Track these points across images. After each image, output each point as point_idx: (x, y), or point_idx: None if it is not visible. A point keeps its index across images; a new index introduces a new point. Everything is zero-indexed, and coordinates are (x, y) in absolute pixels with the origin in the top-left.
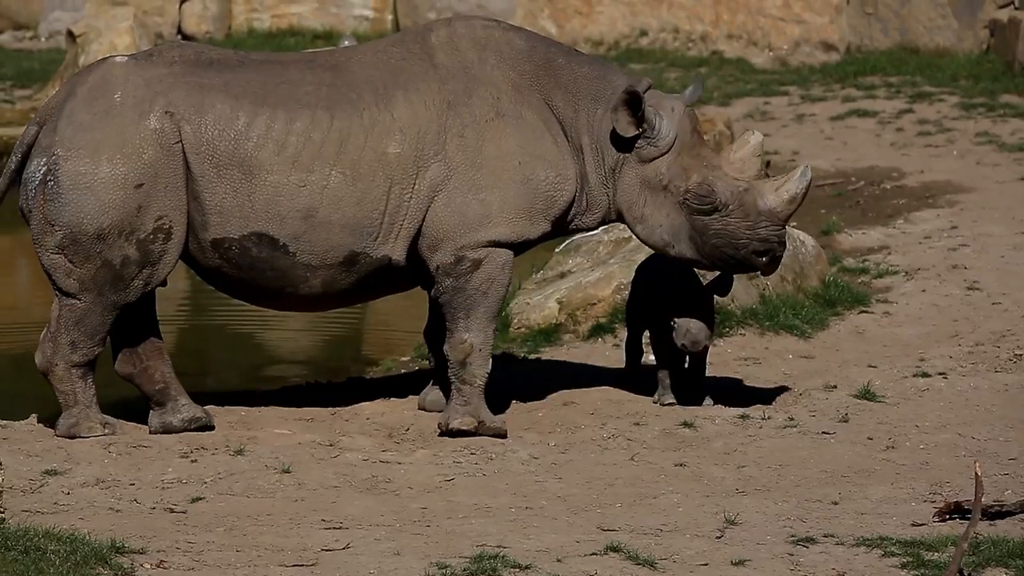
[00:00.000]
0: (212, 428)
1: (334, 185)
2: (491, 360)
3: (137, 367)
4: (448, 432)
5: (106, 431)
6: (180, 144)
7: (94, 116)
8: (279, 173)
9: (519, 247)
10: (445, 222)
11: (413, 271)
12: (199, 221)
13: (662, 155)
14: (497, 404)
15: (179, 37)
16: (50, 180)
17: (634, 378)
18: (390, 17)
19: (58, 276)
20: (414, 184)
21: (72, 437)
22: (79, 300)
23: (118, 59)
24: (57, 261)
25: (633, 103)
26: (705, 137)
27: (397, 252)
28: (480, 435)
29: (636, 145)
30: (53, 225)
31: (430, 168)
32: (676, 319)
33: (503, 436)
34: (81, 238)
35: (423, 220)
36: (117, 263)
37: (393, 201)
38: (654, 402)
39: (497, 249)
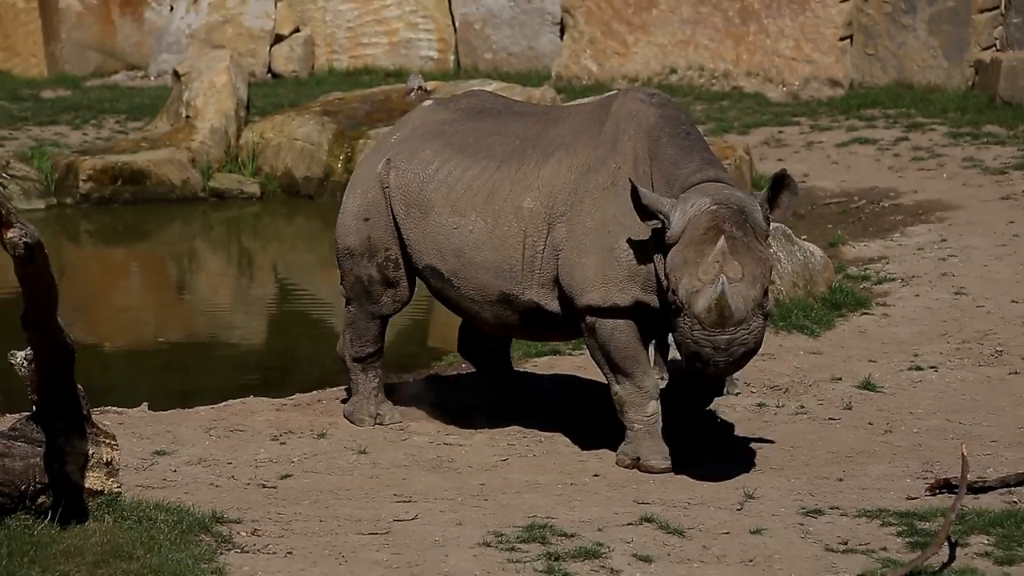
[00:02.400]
0: None
1: (477, 230)
2: (650, 403)
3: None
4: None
5: (375, 422)
6: (388, 188)
7: (369, 152)
8: (442, 215)
9: (622, 312)
10: (564, 280)
11: (569, 319)
12: (405, 253)
13: (671, 245)
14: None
15: (269, 76)
16: None
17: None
18: (452, 57)
19: (341, 284)
20: (545, 238)
21: (351, 421)
22: (350, 306)
23: (425, 103)
24: (340, 271)
25: (634, 197)
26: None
27: (544, 299)
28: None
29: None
30: (335, 240)
31: (556, 226)
32: None
33: (660, 472)
34: (341, 255)
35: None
36: (365, 280)
37: (528, 251)
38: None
39: (602, 317)
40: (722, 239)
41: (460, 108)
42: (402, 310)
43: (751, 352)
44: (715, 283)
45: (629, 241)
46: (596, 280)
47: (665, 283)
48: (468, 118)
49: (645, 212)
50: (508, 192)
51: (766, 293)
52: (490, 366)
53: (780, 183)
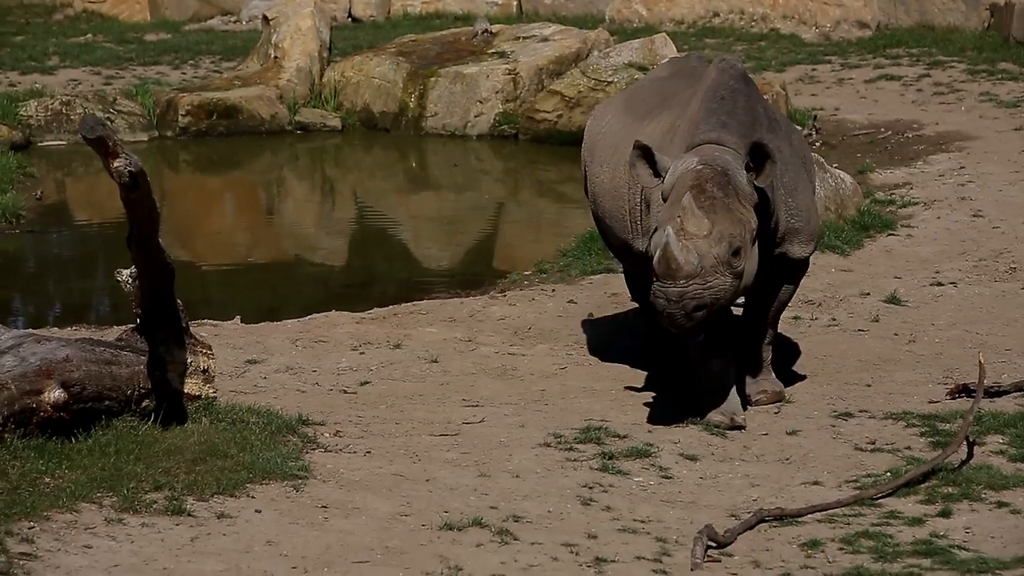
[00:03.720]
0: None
1: (604, 179)
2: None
3: None
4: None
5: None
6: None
7: None
8: (593, 163)
9: None
10: None
11: None
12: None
13: (662, 200)
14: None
15: (349, 21)
16: None
17: None
18: (515, 2)
19: None
20: (640, 192)
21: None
22: None
23: (665, 60)
24: None
25: (647, 156)
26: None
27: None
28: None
29: None
30: None
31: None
32: None
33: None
34: None
35: None
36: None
37: (630, 202)
38: None
39: None
40: (688, 195)
41: (671, 68)
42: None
43: (705, 306)
44: (661, 239)
45: None
46: None
47: None
48: (664, 79)
49: (656, 171)
50: (626, 147)
51: (737, 253)
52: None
53: (761, 153)
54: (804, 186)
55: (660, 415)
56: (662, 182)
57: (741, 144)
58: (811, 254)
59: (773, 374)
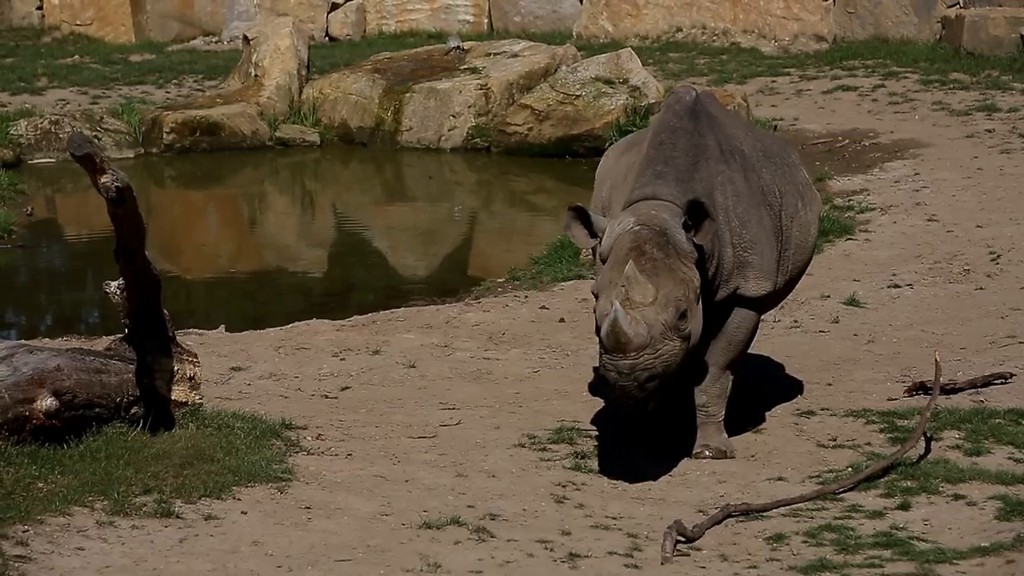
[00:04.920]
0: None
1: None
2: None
3: None
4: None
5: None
6: None
7: None
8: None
9: None
10: None
11: None
12: None
13: (601, 262)
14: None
15: (327, 40)
16: None
17: None
18: (486, 20)
19: None
20: None
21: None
22: None
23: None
24: None
25: (582, 218)
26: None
27: None
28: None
29: None
30: None
31: None
32: None
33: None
34: None
35: None
36: None
37: None
38: None
39: None
40: (630, 263)
41: (668, 102)
42: None
43: (658, 376)
44: (607, 316)
45: None
46: None
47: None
48: (657, 115)
49: (592, 232)
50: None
51: (684, 316)
52: None
53: (698, 211)
54: (759, 218)
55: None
56: (599, 243)
57: (679, 195)
58: (766, 293)
59: (724, 433)
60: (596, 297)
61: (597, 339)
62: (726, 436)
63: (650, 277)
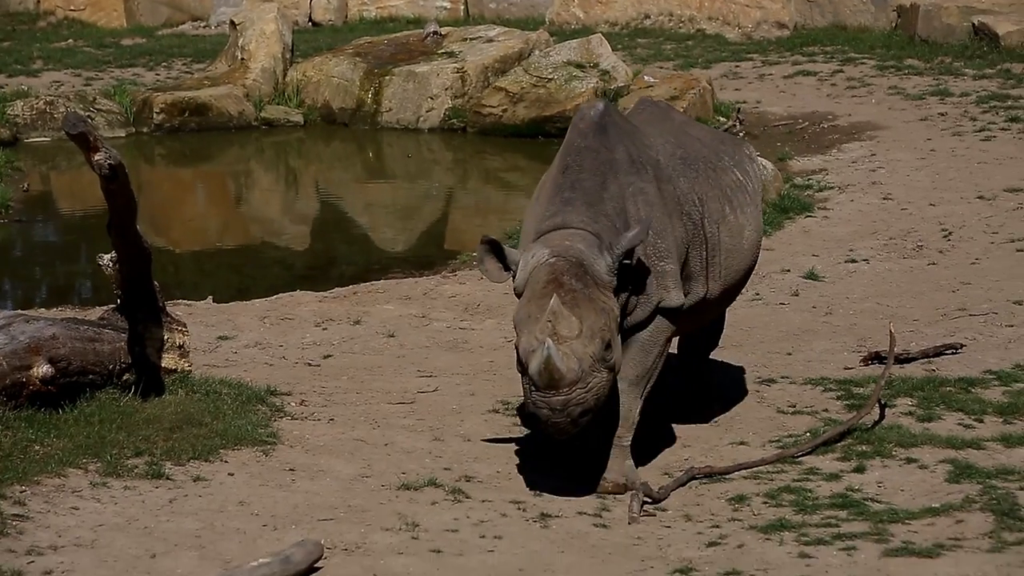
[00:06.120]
0: None
1: None
2: None
3: None
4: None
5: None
6: None
7: None
8: None
9: None
10: None
11: None
12: None
13: (516, 295)
14: None
15: (310, 25)
16: None
17: None
18: (462, 7)
19: None
20: None
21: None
22: None
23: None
24: None
25: (495, 251)
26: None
27: None
28: None
29: None
30: None
31: None
32: None
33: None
34: None
35: None
36: None
37: None
38: None
39: None
40: (554, 297)
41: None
42: None
43: (590, 410)
44: (537, 353)
45: None
46: None
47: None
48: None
49: (505, 265)
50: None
51: (608, 346)
52: None
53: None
54: (671, 228)
55: None
56: (512, 277)
57: (590, 221)
58: (695, 302)
59: (630, 460)
60: (517, 332)
61: (521, 376)
62: (631, 463)
63: (572, 309)
